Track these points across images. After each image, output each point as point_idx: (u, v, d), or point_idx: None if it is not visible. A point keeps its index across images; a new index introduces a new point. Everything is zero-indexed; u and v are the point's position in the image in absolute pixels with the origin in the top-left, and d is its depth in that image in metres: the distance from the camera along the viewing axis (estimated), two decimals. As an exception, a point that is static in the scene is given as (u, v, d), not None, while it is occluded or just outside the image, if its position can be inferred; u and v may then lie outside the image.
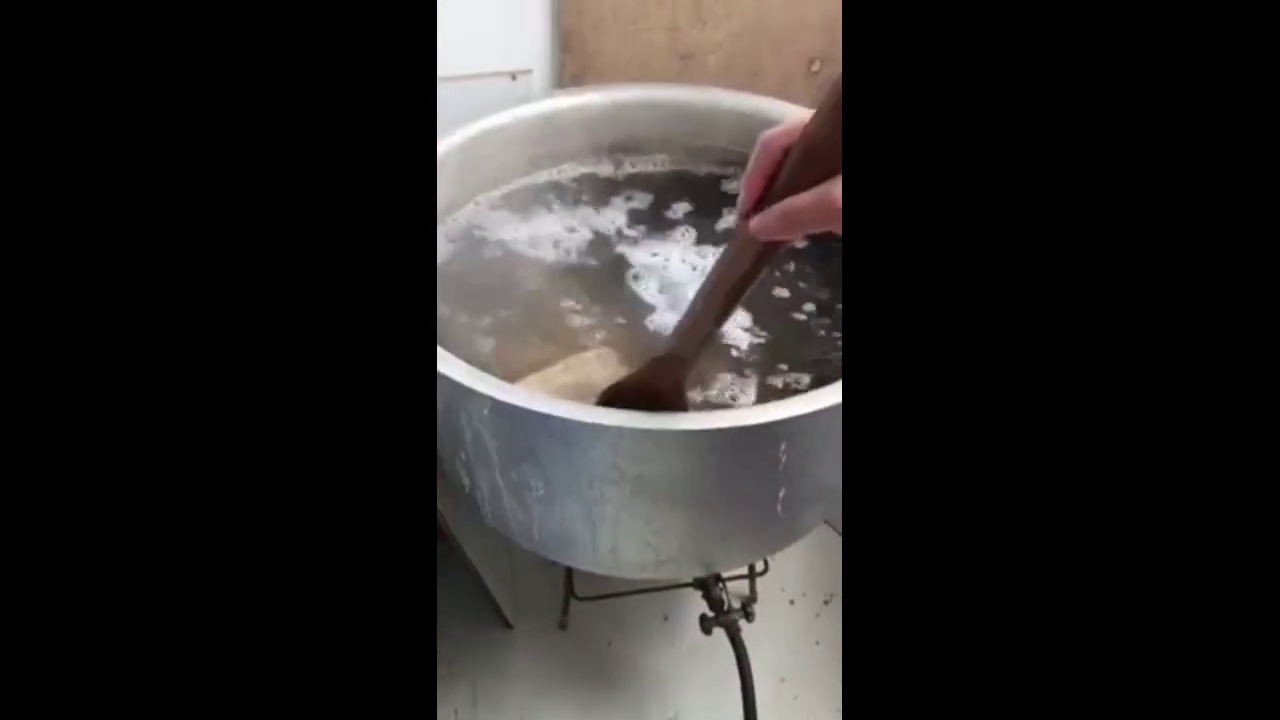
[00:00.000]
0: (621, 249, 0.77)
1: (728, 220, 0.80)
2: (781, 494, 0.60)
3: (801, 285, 0.74)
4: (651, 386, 0.56)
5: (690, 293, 0.66)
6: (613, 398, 0.58)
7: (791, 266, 0.75)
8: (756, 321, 0.71)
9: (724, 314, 0.51)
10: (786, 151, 0.42)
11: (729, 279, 0.49)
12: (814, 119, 0.40)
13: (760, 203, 0.44)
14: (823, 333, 0.70)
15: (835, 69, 1.00)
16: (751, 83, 0.98)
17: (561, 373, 0.65)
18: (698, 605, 0.81)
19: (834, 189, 0.39)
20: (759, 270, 0.48)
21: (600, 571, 0.68)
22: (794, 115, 0.46)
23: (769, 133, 0.43)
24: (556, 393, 0.59)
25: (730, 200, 0.82)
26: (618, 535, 0.61)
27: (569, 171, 0.85)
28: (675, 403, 0.57)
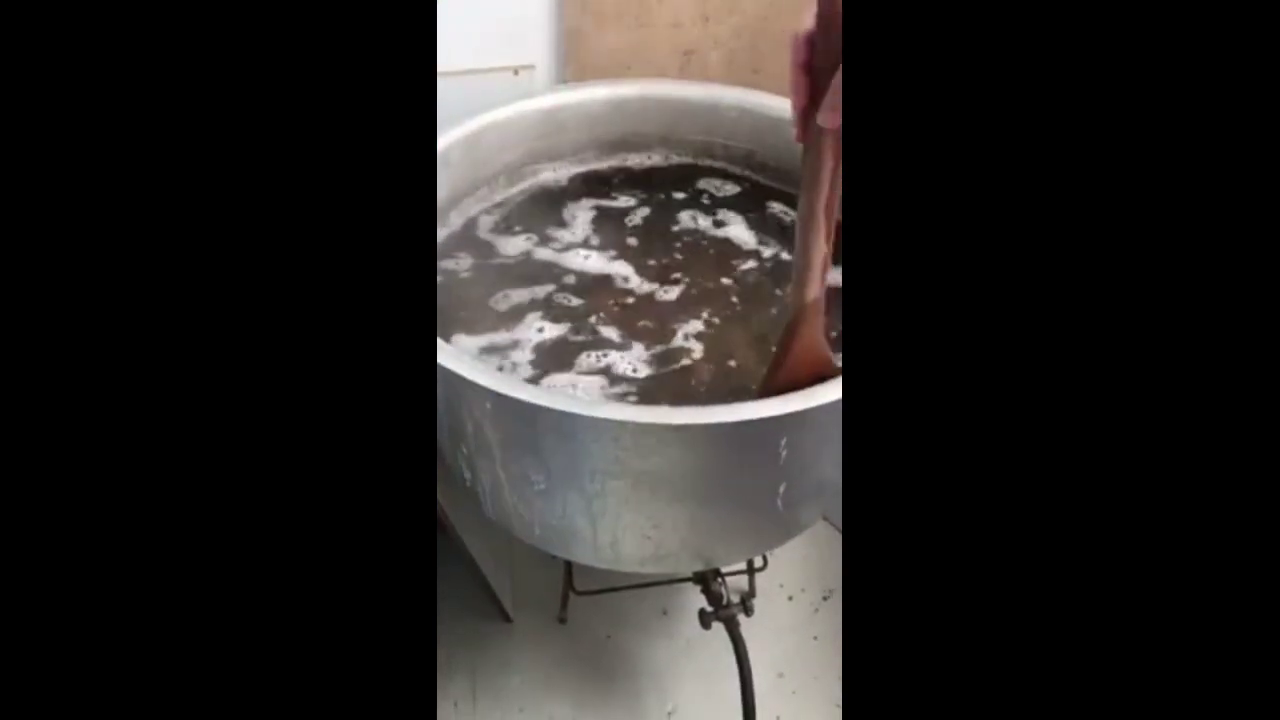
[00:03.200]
0: (623, 244, 0.78)
1: (725, 216, 0.80)
2: (781, 489, 0.60)
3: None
4: (796, 359, 0.56)
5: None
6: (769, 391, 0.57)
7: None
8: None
9: (831, 233, 0.52)
10: (810, 40, 0.46)
11: (820, 190, 0.51)
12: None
13: (811, 98, 0.47)
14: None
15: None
16: (754, 79, 0.98)
17: None
18: (696, 600, 0.82)
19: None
20: (839, 171, 0.50)
21: (600, 565, 0.68)
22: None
23: (793, 36, 0.47)
24: None
25: (731, 201, 0.83)
26: (618, 529, 0.61)
27: (571, 167, 0.85)
28: (825, 364, 0.57)
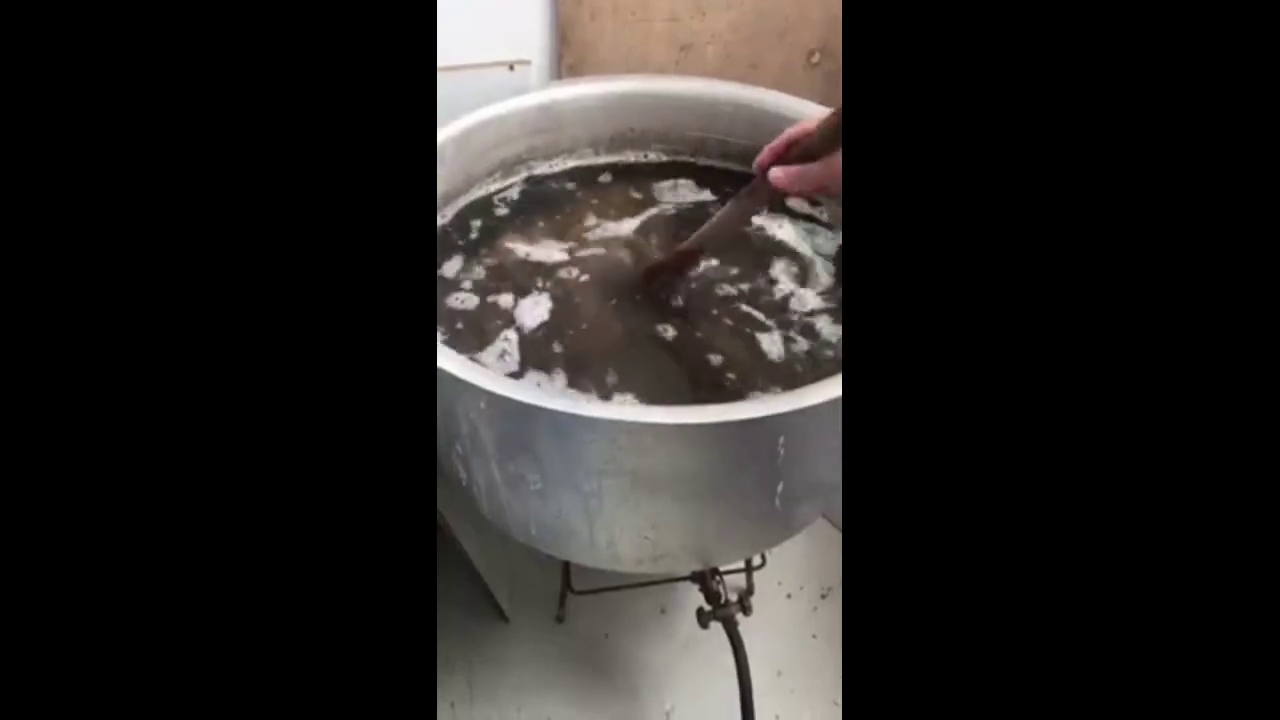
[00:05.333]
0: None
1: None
2: (779, 488, 0.60)
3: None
4: (669, 266, 0.72)
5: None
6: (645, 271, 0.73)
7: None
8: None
9: (725, 239, 0.72)
10: (805, 134, 0.60)
11: (740, 215, 0.69)
12: (826, 121, 0.58)
13: (778, 161, 0.61)
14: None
15: (834, 61, 1.00)
16: (750, 74, 0.97)
17: None
18: (695, 599, 0.81)
19: (836, 160, 0.56)
20: (760, 210, 0.75)
21: (597, 565, 0.67)
22: (797, 108, 0.65)
23: (794, 126, 0.62)
24: None
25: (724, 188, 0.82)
26: (615, 529, 0.61)
27: (567, 163, 0.84)
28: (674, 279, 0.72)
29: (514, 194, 0.82)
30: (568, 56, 0.91)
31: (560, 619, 0.95)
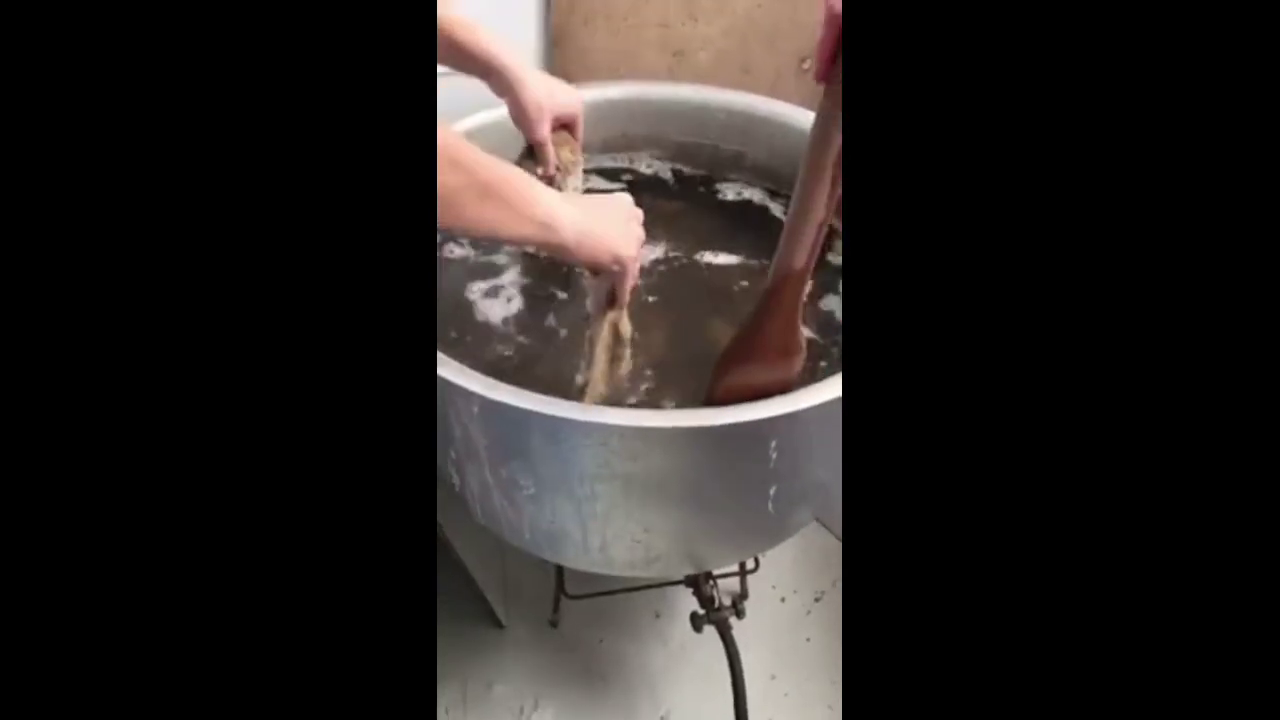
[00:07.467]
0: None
1: (719, 220, 0.80)
2: (772, 492, 0.60)
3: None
4: (768, 333, 0.54)
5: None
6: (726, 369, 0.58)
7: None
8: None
9: (834, 197, 0.47)
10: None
11: (831, 141, 0.46)
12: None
13: (832, 63, 0.45)
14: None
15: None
16: (742, 80, 0.98)
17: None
18: (689, 603, 0.81)
19: None
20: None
21: (591, 569, 0.68)
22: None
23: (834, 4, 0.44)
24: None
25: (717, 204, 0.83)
26: (608, 533, 0.61)
27: (560, 168, 0.84)
28: (795, 344, 0.55)
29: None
30: (560, 62, 0.91)
31: (554, 623, 0.95)
